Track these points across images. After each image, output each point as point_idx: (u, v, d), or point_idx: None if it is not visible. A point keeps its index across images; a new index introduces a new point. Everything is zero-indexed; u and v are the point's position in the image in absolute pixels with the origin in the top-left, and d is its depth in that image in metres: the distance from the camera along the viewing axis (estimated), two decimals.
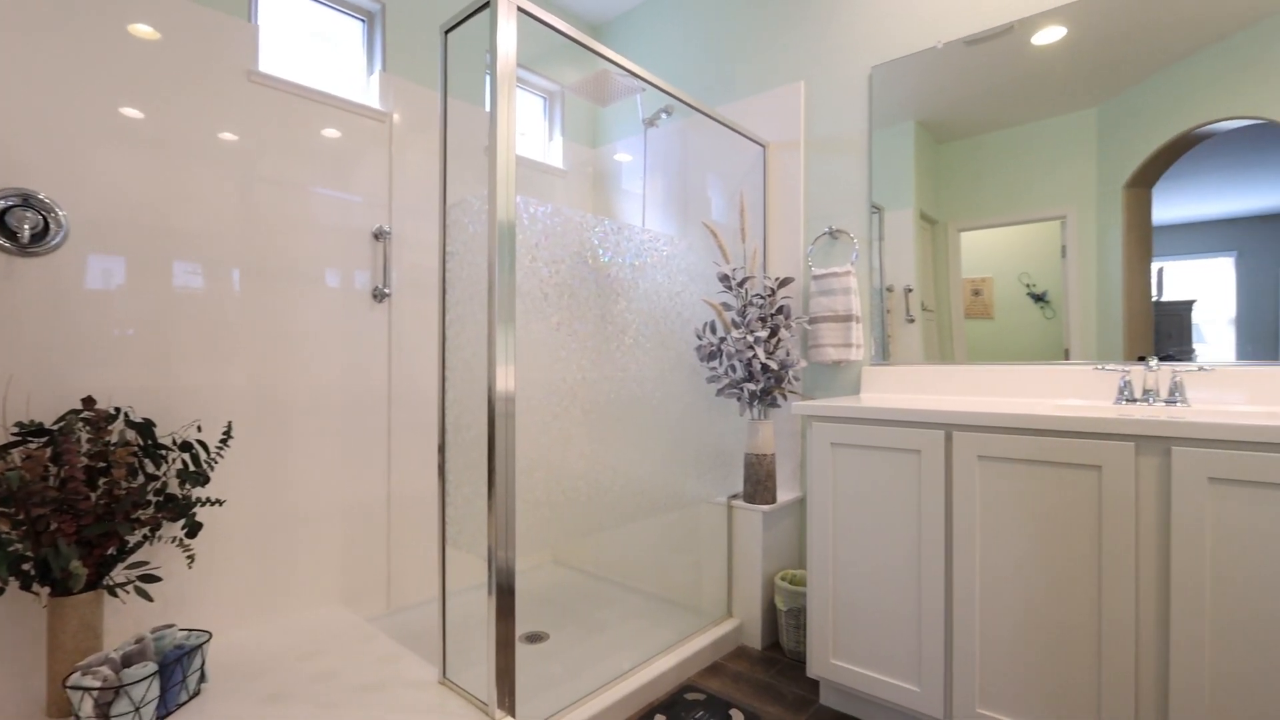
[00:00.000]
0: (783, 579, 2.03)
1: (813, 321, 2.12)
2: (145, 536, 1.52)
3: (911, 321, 2.01)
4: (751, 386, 1.97)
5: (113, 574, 1.55)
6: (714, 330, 2.05)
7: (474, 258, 1.49)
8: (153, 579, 1.50)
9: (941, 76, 1.94)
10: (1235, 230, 1.50)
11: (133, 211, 1.63)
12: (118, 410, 1.54)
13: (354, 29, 2.21)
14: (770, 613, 2.06)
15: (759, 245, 2.35)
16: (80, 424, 1.46)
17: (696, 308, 2.07)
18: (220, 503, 1.63)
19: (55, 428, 1.43)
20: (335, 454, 2.01)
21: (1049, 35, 1.74)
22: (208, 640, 1.47)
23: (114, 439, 1.53)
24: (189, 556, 1.57)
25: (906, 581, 1.49)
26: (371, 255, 2.12)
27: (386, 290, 2.13)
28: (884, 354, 2.06)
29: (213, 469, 1.67)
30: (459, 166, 2.35)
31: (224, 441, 1.66)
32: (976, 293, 1.89)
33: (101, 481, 1.46)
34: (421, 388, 2.24)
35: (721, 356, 2.00)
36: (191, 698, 1.42)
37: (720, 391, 2.02)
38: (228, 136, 1.79)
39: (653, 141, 2.75)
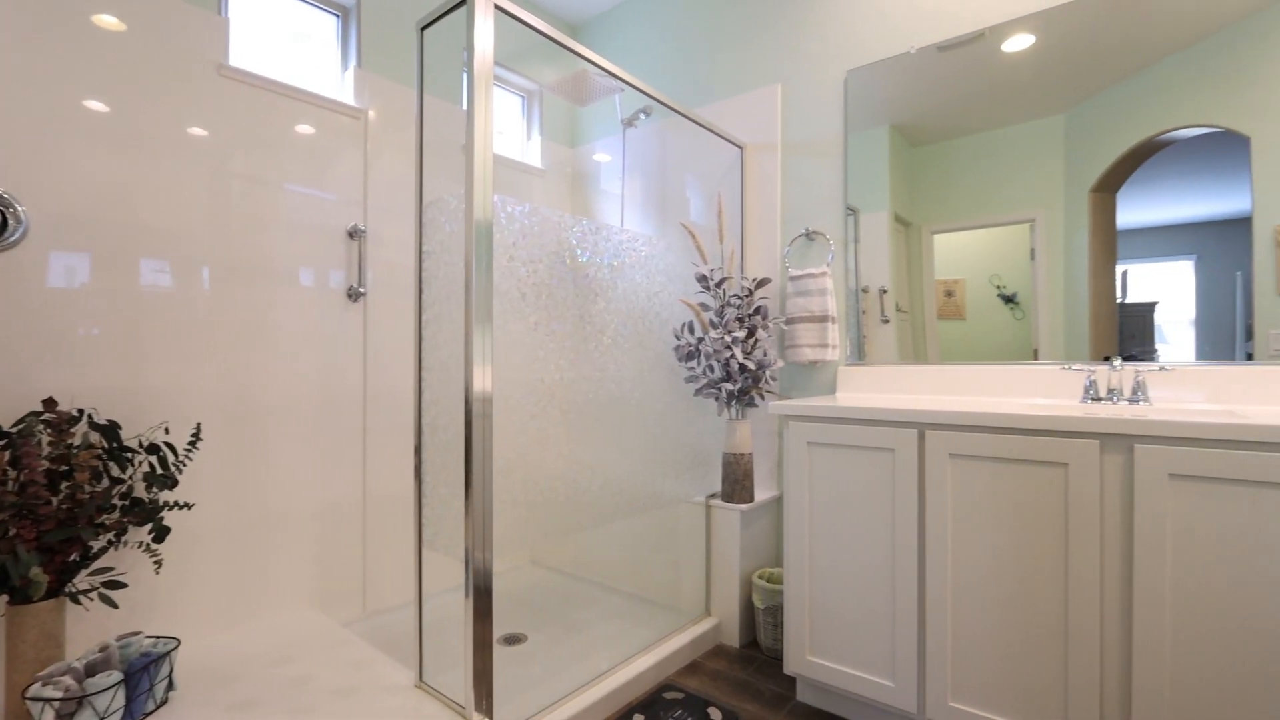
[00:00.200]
0: (760, 577, 2.04)
1: (789, 322, 2.14)
2: (110, 542, 1.48)
3: (886, 322, 2.04)
4: (729, 386, 1.99)
5: (75, 581, 1.51)
6: (692, 330, 2.06)
7: (451, 257, 1.48)
8: (118, 585, 1.46)
9: (915, 81, 1.97)
10: (1195, 234, 1.55)
11: (97, 207, 1.58)
12: (81, 412, 1.50)
13: (328, 24, 2.18)
14: (748, 611, 2.08)
15: (736, 246, 2.37)
16: (41, 426, 1.42)
17: (675, 308, 2.08)
18: (189, 506, 1.60)
19: (14, 430, 1.39)
20: (309, 456, 1.98)
21: (1018, 43, 1.79)
22: (176, 647, 1.43)
23: (77, 442, 1.49)
24: (156, 562, 1.54)
25: (881, 578, 1.51)
26: (346, 254, 2.09)
27: (361, 289, 2.11)
28: (859, 354, 2.09)
29: (181, 472, 1.63)
30: (435, 165, 2.33)
31: (193, 443, 1.62)
32: (949, 294, 1.92)
33: (64, 485, 1.41)
34: (397, 388, 2.21)
35: (699, 356, 2.01)
36: (159, 706, 1.39)
37: (698, 391, 2.03)
38: (197, 131, 1.75)
39: (631, 142, 2.75)
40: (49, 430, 1.43)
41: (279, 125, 1.93)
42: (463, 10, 1.38)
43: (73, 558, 1.42)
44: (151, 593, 1.66)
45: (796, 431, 1.65)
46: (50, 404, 1.45)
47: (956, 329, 1.90)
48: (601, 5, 2.88)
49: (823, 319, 2.06)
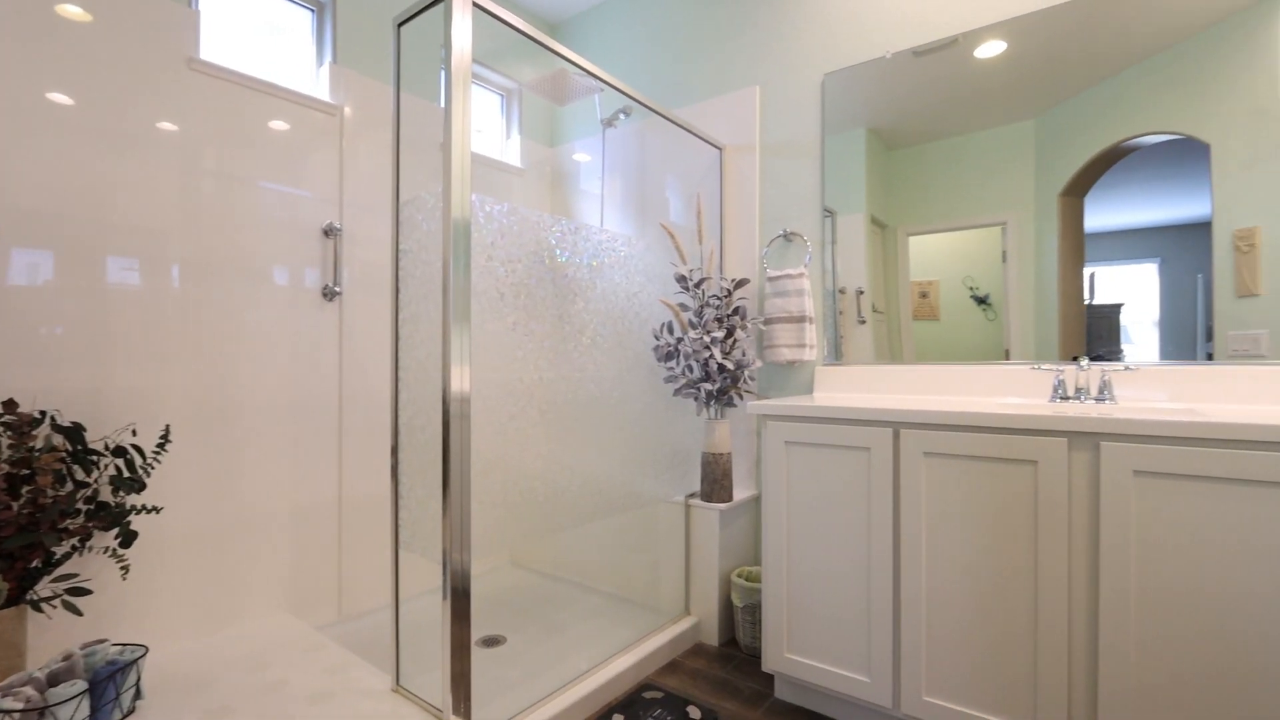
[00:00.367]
0: (739, 576, 2.06)
1: (768, 322, 2.16)
2: (74, 547, 1.44)
3: (863, 323, 2.06)
4: (708, 386, 2.00)
5: (37, 588, 1.47)
6: (671, 330, 2.06)
7: (428, 256, 1.47)
8: (82, 592, 1.43)
9: (891, 85, 2.00)
10: (1159, 238, 1.60)
11: (62, 203, 1.54)
12: (43, 414, 1.46)
13: (303, 18, 2.14)
14: (727, 609, 2.09)
15: (716, 246, 2.38)
16: (0, 429, 1.38)
17: (654, 308, 2.08)
18: (157, 510, 1.56)
19: None
20: (283, 458, 1.95)
21: (991, 49, 1.82)
22: (144, 655, 1.40)
23: (39, 444, 1.45)
24: (123, 567, 1.50)
25: (857, 575, 1.53)
26: (321, 252, 2.05)
27: (337, 288, 2.08)
28: (836, 354, 2.11)
29: (149, 475, 1.59)
30: (413, 162, 2.31)
31: (161, 445, 1.59)
32: (924, 295, 1.95)
33: (25, 490, 1.37)
34: (374, 388, 2.19)
35: (679, 356, 2.02)
36: (126, 716, 1.35)
37: (678, 391, 2.04)
38: (167, 126, 1.72)
39: (611, 142, 2.75)
40: (9, 433, 1.39)
41: (252, 121, 1.89)
42: (440, 7, 1.37)
43: (34, 564, 1.38)
44: (119, 599, 1.62)
45: (774, 431, 1.66)
46: (10, 405, 1.41)
47: (931, 329, 1.94)
48: (581, 4, 2.88)
49: (800, 319, 2.09)
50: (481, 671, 1.76)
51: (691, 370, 2.04)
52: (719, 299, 2.06)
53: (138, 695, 1.40)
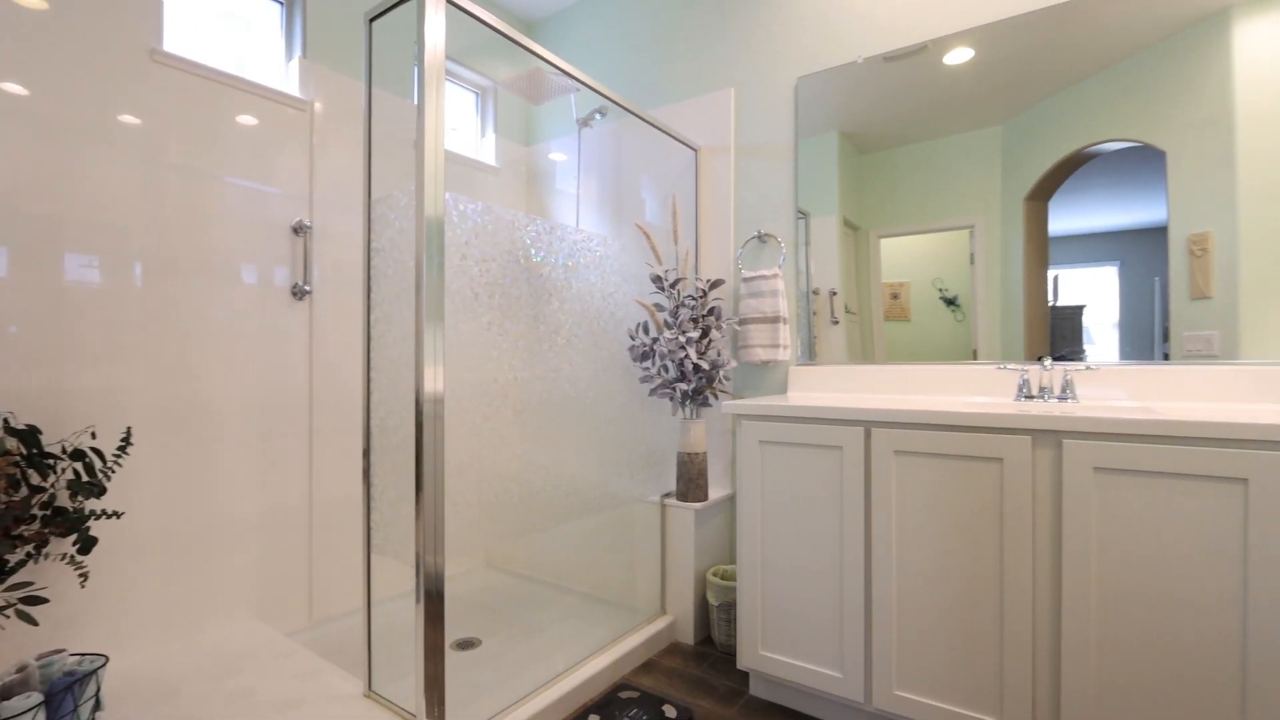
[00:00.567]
0: (714, 574, 2.07)
1: (742, 323, 2.18)
2: (29, 554, 1.39)
3: (836, 323, 2.09)
4: (684, 386, 2.01)
5: None
6: (647, 331, 2.07)
7: (401, 255, 1.45)
8: (38, 600, 1.38)
9: (863, 90, 2.03)
10: (1119, 242, 1.65)
11: (16, 198, 1.49)
12: None
13: (271, 11, 2.10)
14: (703, 608, 2.10)
15: (691, 247, 2.39)
16: None
17: (629, 308, 2.09)
18: (118, 515, 1.51)
19: None
20: (252, 460, 1.90)
21: (959, 56, 1.86)
22: (103, 665, 1.36)
23: None
24: (82, 575, 1.45)
25: (830, 572, 1.55)
26: (291, 250, 2.01)
27: (307, 287, 2.04)
28: (810, 354, 2.14)
29: (109, 479, 1.54)
30: (385, 160, 2.28)
31: (122, 448, 1.54)
32: (895, 296, 1.99)
33: None
34: (345, 389, 2.15)
35: (654, 357, 2.03)
36: None
37: (653, 391, 2.05)
38: (128, 119, 1.67)
39: (587, 142, 2.75)
40: None
41: (218, 115, 1.85)
42: (412, 3, 1.35)
43: None
44: (78, 607, 1.57)
45: (749, 430, 1.68)
46: None
47: (902, 330, 1.97)
48: (557, 3, 2.87)
49: (775, 320, 2.11)
50: (456, 675, 1.74)
51: (667, 370, 2.05)
52: (694, 299, 2.07)
53: (97, 707, 1.35)
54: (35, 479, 1.46)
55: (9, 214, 1.48)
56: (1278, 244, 1.46)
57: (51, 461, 1.46)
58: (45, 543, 1.40)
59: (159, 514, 1.71)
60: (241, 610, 1.88)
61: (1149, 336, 1.61)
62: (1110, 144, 1.64)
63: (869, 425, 1.50)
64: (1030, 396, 1.65)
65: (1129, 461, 1.19)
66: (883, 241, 2.01)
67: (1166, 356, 1.58)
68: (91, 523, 1.57)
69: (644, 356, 2.02)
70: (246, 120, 1.91)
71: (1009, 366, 1.69)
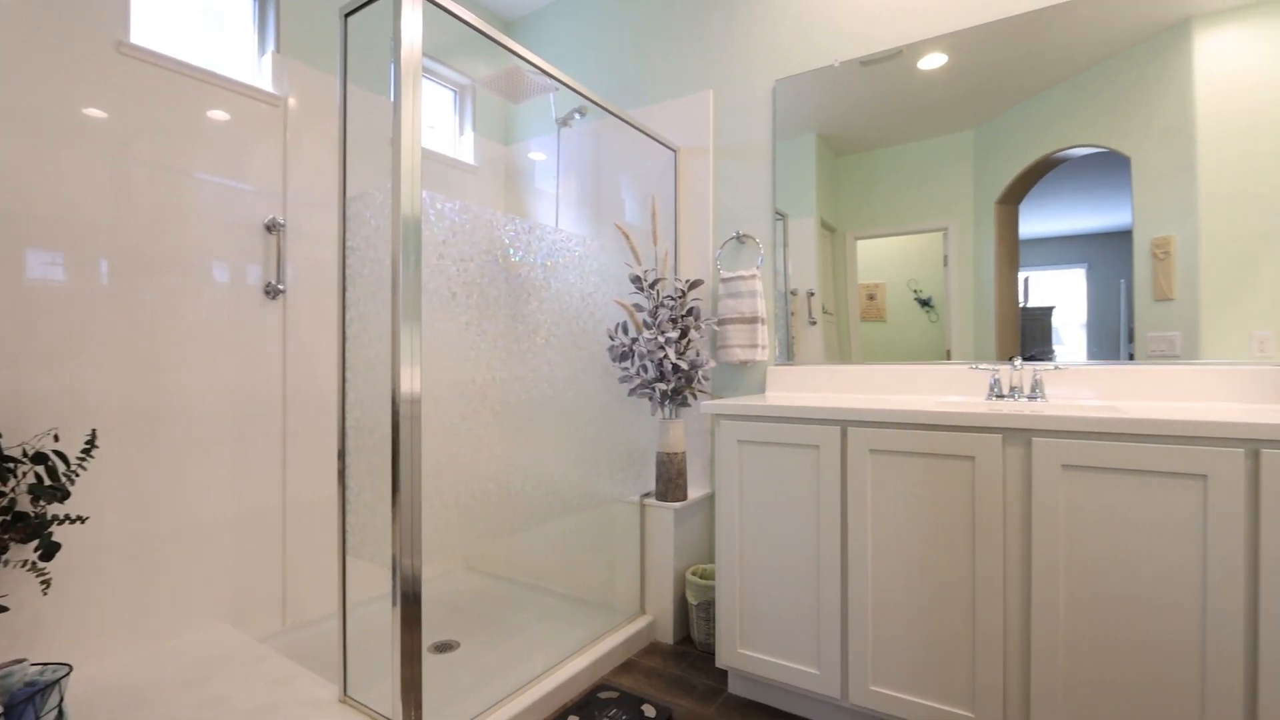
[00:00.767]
0: (694, 574, 2.08)
1: (721, 323, 2.19)
2: None
3: (813, 324, 2.12)
4: (663, 386, 2.01)
5: None
6: (626, 331, 2.07)
7: (377, 253, 1.43)
8: None
9: (839, 93, 2.06)
10: (1086, 245, 1.69)
11: None
12: None
13: (243, 5, 2.06)
14: (682, 607, 2.11)
15: (670, 248, 2.40)
16: None
17: (609, 308, 2.09)
18: (82, 519, 1.47)
19: None
20: (223, 462, 1.86)
21: (933, 61, 1.89)
22: (67, 674, 1.32)
23: None
24: (44, 582, 1.41)
25: (807, 569, 1.57)
26: (264, 248, 1.98)
27: (281, 286, 2.00)
28: (788, 354, 2.16)
29: (73, 482, 1.50)
30: (361, 157, 2.25)
31: (86, 451, 1.50)
32: (871, 297, 2.02)
33: None
34: (320, 389, 2.12)
35: (633, 357, 2.03)
36: None
37: (632, 391, 2.05)
38: (94, 113, 1.62)
39: (566, 141, 2.74)
40: None
41: (189, 110, 1.81)
42: None
43: None
44: (40, 615, 1.52)
45: (727, 430, 1.69)
46: None
47: (878, 330, 2.00)
48: (536, 2, 2.86)
49: (753, 320, 2.12)
50: (433, 678, 1.73)
51: (646, 370, 2.05)
52: (673, 300, 2.07)
53: (60, 717, 1.32)
54: None
55: None
56: (1235, 248, 1.51)
57: (12, 465, 1.41)
58: (5, 549, 1.36)
59: (126, 518, 1.67)
60: (213, 616, 1.84)
61: (1115, 337, 1.66)
62: (1078, 149, 1.69)
63: (845, 424, 1.51)
64: (1001, 396, 1.68)
65: (1095, 459, 1.22)
66: (859, 243, 2.03)
67: (1132, 356, 1.63)
68: (54, 528, 1.53)
69: (623, 356, 2.02)
70: (218, 115, 1.87)
71: (981, 366, 1.72)
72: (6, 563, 1.44)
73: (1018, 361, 1.68)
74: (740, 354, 2.14)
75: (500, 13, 2.94)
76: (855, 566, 1.49)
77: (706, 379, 2.14)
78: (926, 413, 1.39)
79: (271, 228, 1.99)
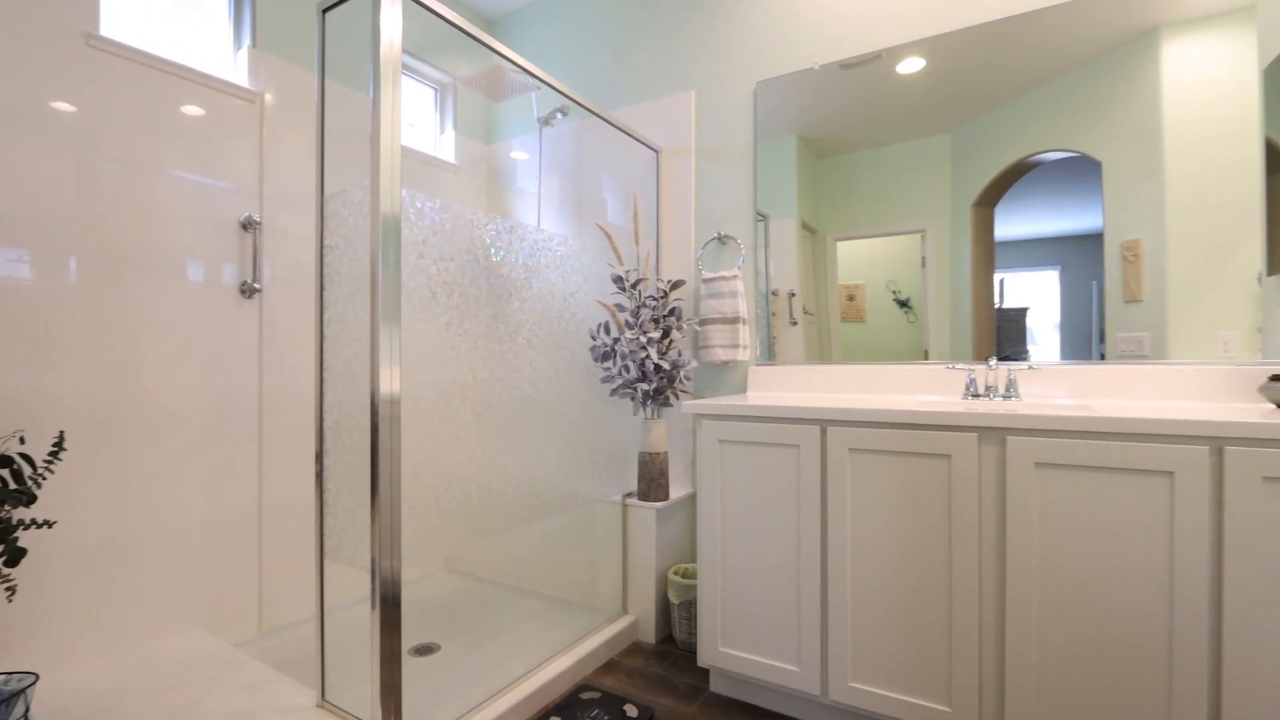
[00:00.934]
0: (675, 573, 2.08)
1: (703, 323, 2.20)
2: None
3: (794, 324, 2.13)
4: (645, 386, 2.02)
5: None
6: (608, 331, 2.07)
7: (355, 252, 1.42)
8: None
9: (820, 96, 2.08)
10: (1059, 247, 1.73)
11: None
12: None
13: None
14: (664, 607, 2.12)
15: (652, 248, 2.40)
16: None
17: (591, 308, 2.08)
18: (50, 524, 1.43)
19: None
20: (198, 465, 1.83)
21: (911, 65, 1.92)
22: (33, 683, 1.29)
23: None
24: (9, 589, 1.37)
25: (787, 567, 1.58)
26: (239, 247, 1.94)
27: (257, 285, 1.97)
28: (769, 354, 2.17)
29: (39, 486, 1.46)
30: (339, 154, 2.22)
31: (54, 454, 1.46)
32: (851, 298, 2.04)
33: None
34: (297, 390, 2.09)
35: (615, 357, 2.03)
36: None
37: (614, 391, 2.05)
38: (62, 106, 1.58)
39: (548, 141, 2.73)
40: None
41: (162, 105, 1.77)
42: None
43: None
44: (5, 623, 1.48)
45: (709, 430, 1.69)
46: None
47: (858, 331, 2.02)
48: (518, 1, 2.84)
49: (734, 320, 2.13)
50: (413, 682, 1.71)
51: (628, 370, 2.05)
52: (655, 300, 2.08)
53: None
54: None
55: None
56: (1200, 251, 1.56)
57: None
58: None
59: (96, 522, 1.63)
60: (187, 621, 1.81)
61: (1087, 337, 1.69)
62: (1051, 154, 1.72)
63: (825, 424, 1.53)
64: (977, 395, 1.71)
65: (1067, 457, 1.25)
66: (839, 244, 2.05)
67: (1103, 356, 1.66)
68: (20, 533, 1.49)
69: (605, 357, 2.02)
70: (192, 111, 1.84)
71: (957, 366, 1.75)
72: None
73: (993, 361, 1.71)
74: (722, 354, 2.15)
75: (482, 11, 2.92)
76: (835, 564, 1.51)
77: (688, 379, 2.14)
78: (904, 412, 1.41)
79: (248, 226, 1.96)
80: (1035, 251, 1.76)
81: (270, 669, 1.61)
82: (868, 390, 1.95)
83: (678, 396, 2.16)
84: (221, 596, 1.88)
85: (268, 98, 2.02)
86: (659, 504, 2.07)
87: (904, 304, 1.95)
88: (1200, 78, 1.55)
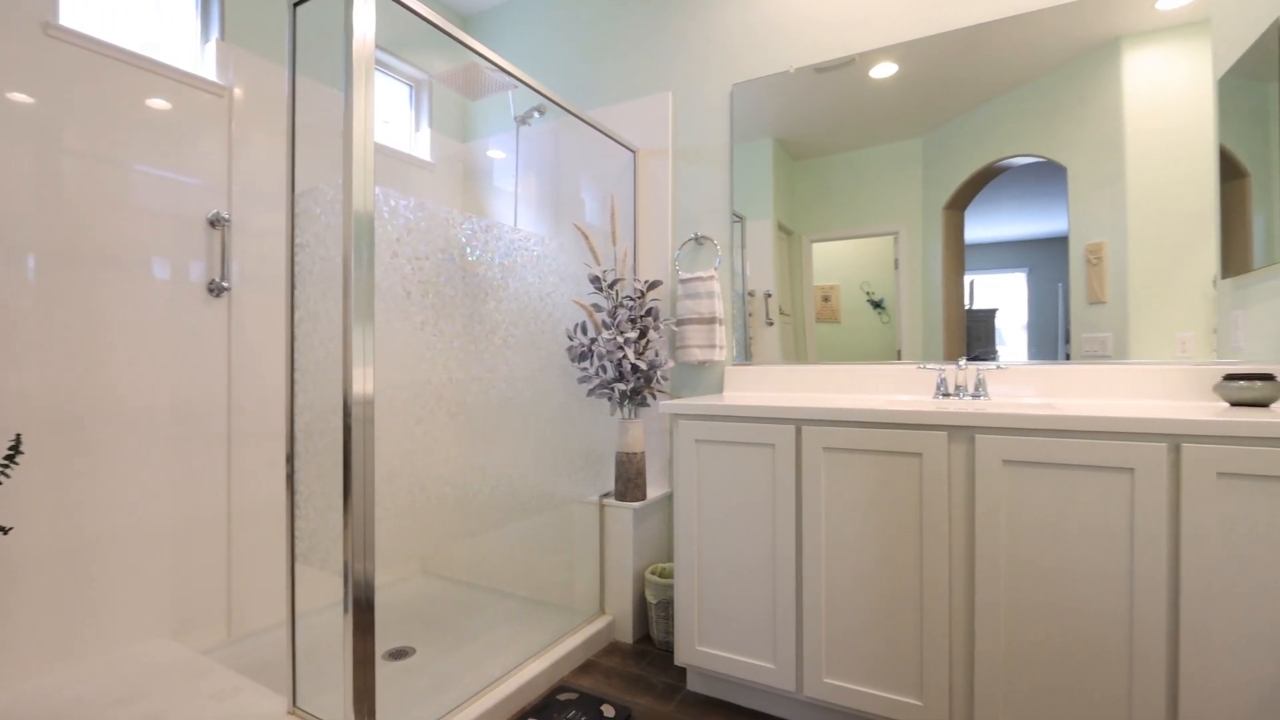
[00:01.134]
0: (653, 573, 2.09)
1: (680, 323, 2.21)
2: None
3: (771, 324, 2.15)
4: (622, 386, 2.02)
5: None
6: (585, 331, 2.07)
7: (327, 251, 1.40)
8: None
9: (795, 99, 2.10)
10: (1027, 250, 1.77)
11: None
12: None
13: None
14: (641, 606, 2.12)
15: (629, 248, 2.40)
16: None
17: (567, 308, 2.08)
18: (5, 530, 1.39)
19: None
20: (163, 468, 1.78)
21: (884, 70, 1.95)
22: None
23: None
24: None
25: (763, 565, 1.60)
26: (207, 244, 1.90)
27: (225, 284, 1.93)
28: (746, 355, 2.19)
29: None
30: (311, 151, 2.19)
31: (10, 457, 1.41)
32: (826, 299, 2.07)
33: None
34: (267, 391, 2.05)
35: (592, 357, 2.03)
36: None
37: (591, 392, 2.05)
38: (19, 98, 1.53)
39: (525, 140, 2.72)
40: None
41: (125, 97, 1.72)
42: None
43: None
44: None
45: (685, 429, 1.70)
46: None
47: (832, 331, 2.05)
48: None
49: (711, 321, 2.15)
50: (387, 686, 1.69)
51: (605, 370, 2.05)
52: (632, 300, 2.08)
53: None
54: None
55: None
56: (1160, 255, 1.61)
57: None
58: None
59: (56, 527, 1.58)
60: (153, 629, 1.76)
61: (1053, 338, 1.74)
62: (1019, 159, 1.76)
63: (799, 423, 1.55)
64: (947, 394, 1.75)
65: (1034, 454, 1.28)
66: (814, 246, 2.08)
67: (1068, 356, 1.71)
68: None
69: (582, 357, 2.02)
70: (158, 104, 1.79)
71: (929, 366, 1.79)
72: None
73: (963, 361, 1.75)
74: (699, 354, 2.16)
75: (457, 8, 2.89)
76: (810, 562, 1.52)
77: (665, 379, 2.15)
78: (877, 411, 1.44)
79: (215, 223, 1.91)
80: (1004, 254, 1.80)
81: (239, 676, 1.58)
82: (842, 390, 1.98)
83: (655, 396, 2.17)
84: (189, 602, 1.84)
85: (237, 92, 1.98)
86: (636, 504, 2.07)
87: (878, 305, 1.98)
88: (1159, 87, 1.61)
